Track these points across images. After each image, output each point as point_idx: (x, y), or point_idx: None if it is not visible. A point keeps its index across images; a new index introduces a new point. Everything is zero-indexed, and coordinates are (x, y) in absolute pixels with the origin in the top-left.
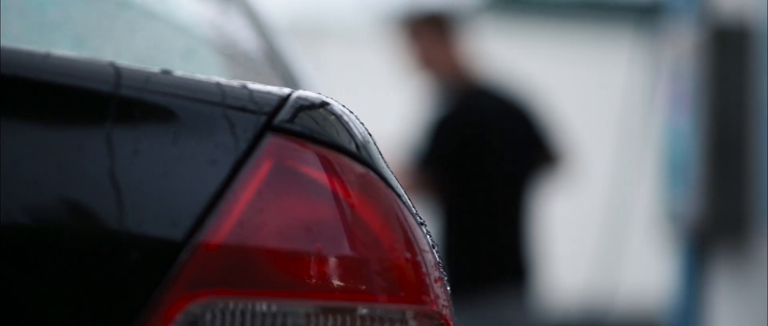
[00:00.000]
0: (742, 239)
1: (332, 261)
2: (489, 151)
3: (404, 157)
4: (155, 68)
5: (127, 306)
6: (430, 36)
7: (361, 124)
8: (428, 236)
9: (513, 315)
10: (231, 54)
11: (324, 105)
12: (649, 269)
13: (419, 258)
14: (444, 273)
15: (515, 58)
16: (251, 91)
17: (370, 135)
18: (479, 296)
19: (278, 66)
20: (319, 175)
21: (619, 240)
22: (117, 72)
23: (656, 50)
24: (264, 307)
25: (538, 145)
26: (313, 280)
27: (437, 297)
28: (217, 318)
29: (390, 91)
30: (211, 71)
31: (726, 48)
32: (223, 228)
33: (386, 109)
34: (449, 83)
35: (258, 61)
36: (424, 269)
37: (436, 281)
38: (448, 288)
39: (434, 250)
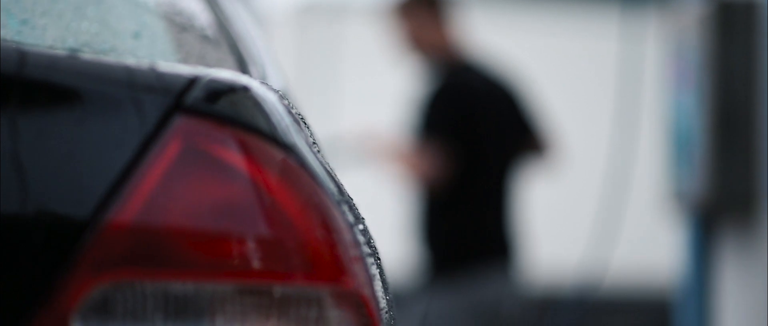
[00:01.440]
0: (749, 216)
1: (246, 242)
2: (477, 127)
3: (400, 136)
4: (62, 50)
5: (31, 286)
6: (419, 15)
7: (284, 106)
8: (348, 215)
9: (500, 290)
10: (184, 34)
11: (238, 86)
12: (649, 244)
13: (335, 237)
14: (369, 252)
15: (507, 36)
16: (160, 73)
17: (294, 117)
18: (466, 272)
19: (233, 46)
20: (231, 156)
21: (614, 215)
22: (22, 54)
23: (647, 24)
24: (177, 288)
25: (525, 131)
26: (227, 261)
27: (355, 276)
28: (129, 298)
29: (412, 67)
30: (160, 52)
31: (731, 21)
32: (129, 208)
33: (407, 85)
34: (439, 62)
35: (212, 41)
36: (340, 249)
37: (354, 260)
38: (373, 267)
39: (354, 229)
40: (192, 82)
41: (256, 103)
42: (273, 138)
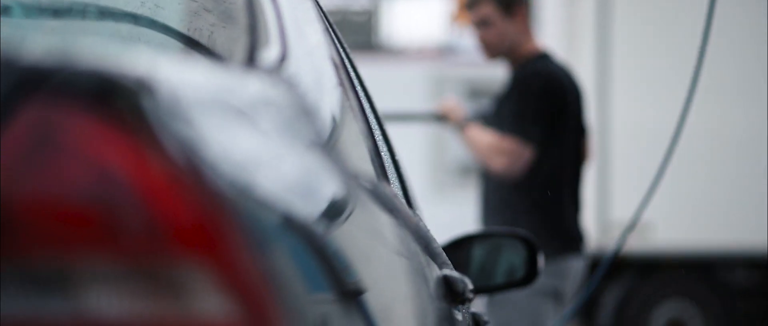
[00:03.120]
0: None
1: (106, 217)
2: (569, 118)
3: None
4: None
5: None
6: (487, 11)
7: (160, 92)
8: (217, 196)
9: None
10: (201, 11)
11: (109, 74)
12: None
13: (206, 217)
14: (246, 230)
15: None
16: (18, 59)
17: (173, 106)
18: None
19: (252, 26)
20: (85, 140)
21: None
22: None
23: None
24: (34, 263)
25: (584, 131)
26: (88, 235)
27: (225, 254)
28: None
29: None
30: (159, 25)
31: None
32: None
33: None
34: (514, 55)
35: (230, 20)
36: (209, 228)
37: (236, 242)
38: (249, 245)
39: (229, 212)
40: (55, 69)
41: (126, 93)
42: (133, 123)
